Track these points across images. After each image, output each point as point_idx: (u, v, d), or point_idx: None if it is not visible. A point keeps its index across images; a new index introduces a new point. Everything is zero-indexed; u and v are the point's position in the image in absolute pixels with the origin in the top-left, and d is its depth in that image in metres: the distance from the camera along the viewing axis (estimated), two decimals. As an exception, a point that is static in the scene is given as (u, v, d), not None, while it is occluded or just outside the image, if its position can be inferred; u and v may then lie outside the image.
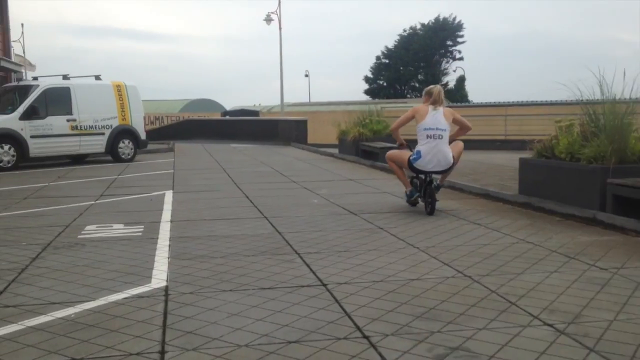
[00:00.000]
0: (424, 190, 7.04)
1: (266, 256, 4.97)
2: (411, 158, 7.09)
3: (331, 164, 13.98)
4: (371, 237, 5.69)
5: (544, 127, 11.07)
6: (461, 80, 56.62)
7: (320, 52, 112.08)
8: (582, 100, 7.03)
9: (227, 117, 32.23)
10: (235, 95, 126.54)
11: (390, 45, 59.39)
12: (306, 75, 61.82)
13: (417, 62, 57.53)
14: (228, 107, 46.30)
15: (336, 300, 3.78)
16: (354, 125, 16.23)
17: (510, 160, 12.44)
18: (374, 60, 60.41)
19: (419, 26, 58.05)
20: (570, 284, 4.09)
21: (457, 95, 53.18)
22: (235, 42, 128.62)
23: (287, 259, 4.86)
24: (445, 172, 7.27)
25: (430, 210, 6.89)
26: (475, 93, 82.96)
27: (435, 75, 57.53)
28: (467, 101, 50.45)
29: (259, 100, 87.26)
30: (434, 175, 7.12)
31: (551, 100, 21.01)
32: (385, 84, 59.74)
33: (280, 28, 30.45)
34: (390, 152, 7.69)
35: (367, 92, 59.95)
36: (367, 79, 60.78)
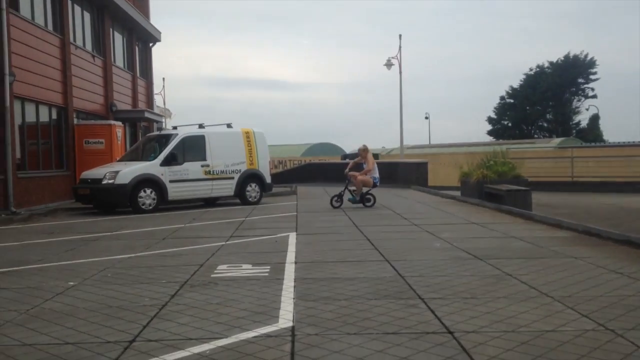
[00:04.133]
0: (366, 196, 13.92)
1: (389, 300, 4.93)
2: (375, 181, 13.78)
3: (453, 207, 13.66)
4: (499, 284, 5.45)
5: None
6: (595, 119, 53.28)
7: (441, 93, 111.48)
8: None
9: (347, 160, 32.79)
10: (356, 138, 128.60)
11: (516, 84, 57.58)
12: (426, 118, 61.52)
13: (545, 101, 55.01)
14: (348, 151, 47.15)
15: (464, 350, 3.65)
16: (478, 167, 15.84)
17: (654, 203, 11.43)
18: (498, 101, 58.83)
19: (547, 64, 55.79)
20: None
21: (590, 135, 49.99)
22: (356, 87, 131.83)
23: (411, 304, 4.79)
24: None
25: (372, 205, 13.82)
26: (611, 132, 77.58)
27: (565, 114, 54.69)
28: (602, 141, 47.21)
29: (381, 142, 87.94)
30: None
31: (700, 138, 19.11)
32: (510, 124, 57.76)
33: (400, 72, 30.68)
34: (360, 177, 13.70)
35: (490, 133, 58.29)
36: (490, 120, 59.18)
